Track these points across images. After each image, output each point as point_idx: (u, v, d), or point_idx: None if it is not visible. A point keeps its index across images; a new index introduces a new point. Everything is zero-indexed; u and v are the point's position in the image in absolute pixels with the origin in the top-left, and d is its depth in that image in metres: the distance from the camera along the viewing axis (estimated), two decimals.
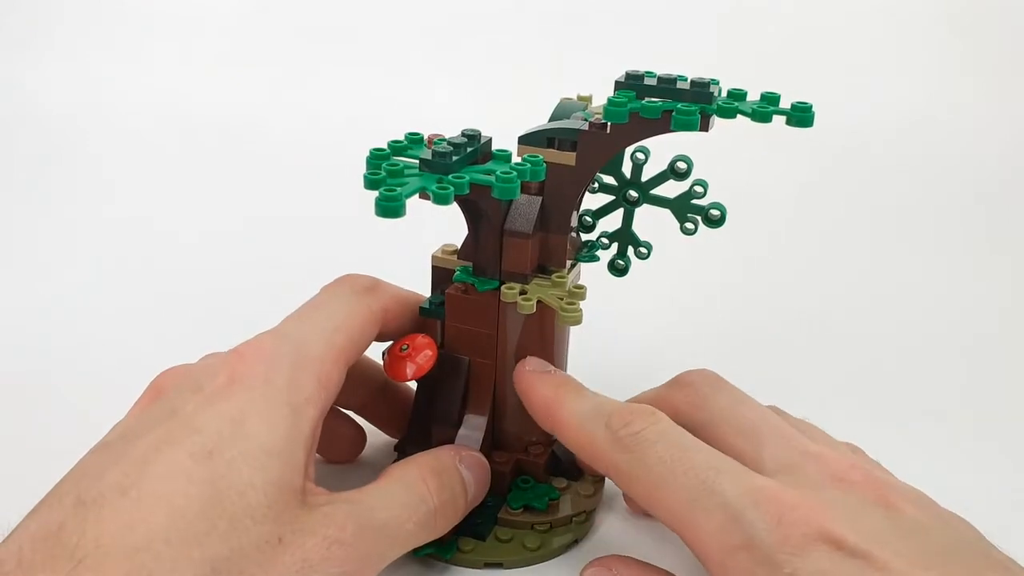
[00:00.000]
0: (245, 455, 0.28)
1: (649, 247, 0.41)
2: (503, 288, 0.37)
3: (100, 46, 0.87)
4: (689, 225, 0.39)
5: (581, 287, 0.37)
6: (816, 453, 0.32)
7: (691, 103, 0.34)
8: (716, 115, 0.34)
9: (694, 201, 0.39)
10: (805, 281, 0.65)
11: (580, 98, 0.42)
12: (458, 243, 0.40)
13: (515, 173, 0.32)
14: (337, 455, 0.43)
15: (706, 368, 0.38)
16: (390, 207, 0.29)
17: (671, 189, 0.39)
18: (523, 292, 0.37)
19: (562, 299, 0.36)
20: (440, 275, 0.40)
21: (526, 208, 0.38)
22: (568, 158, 0.37)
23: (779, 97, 0.35)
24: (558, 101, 0.40)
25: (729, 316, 0.61)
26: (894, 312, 0.62)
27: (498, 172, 0.32)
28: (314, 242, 0.67)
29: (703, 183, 0.39)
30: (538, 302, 0.36)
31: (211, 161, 0.79)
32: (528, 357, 0.38)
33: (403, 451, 0.41)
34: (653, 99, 0.35)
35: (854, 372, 0.54)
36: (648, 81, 0.36)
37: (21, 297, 0.59)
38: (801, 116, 0.34)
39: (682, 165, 0.38)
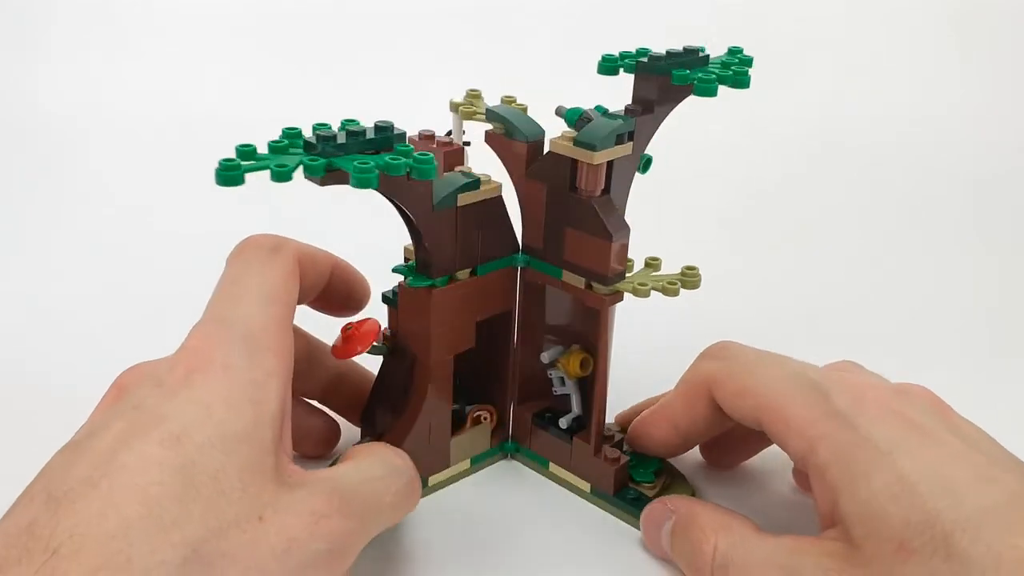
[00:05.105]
0: (213, 440, 0.28)
1: None
2: (627, 287, 0.37)
3: (100, 46, 0.88)
4: None
5: (693, 267, 0.38)
6: (868, 380, 0.35)
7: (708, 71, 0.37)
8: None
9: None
10: (802, 279, 0.64)
11: (470, 94, 0.41)
12: None
13: (372, 164, 0.30)
14: (311, 449, 0.42)
15: (723, 339, 0.39)
16: (228, 176, 0.29)
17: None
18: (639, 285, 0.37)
19: (672, 283, 0.37)
20: None
21: (616, 217, 0.37)
22: (628, 148, 0.37)
23: (741, 49, 0.39)
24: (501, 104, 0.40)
25: (724, 312, 0.57)
26: (892, 312, 0.61)
27: (355, 163, 0.30)
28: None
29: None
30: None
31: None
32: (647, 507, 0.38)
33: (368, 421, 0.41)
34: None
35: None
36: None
37: (20, 297, 0.58)
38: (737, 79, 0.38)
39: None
